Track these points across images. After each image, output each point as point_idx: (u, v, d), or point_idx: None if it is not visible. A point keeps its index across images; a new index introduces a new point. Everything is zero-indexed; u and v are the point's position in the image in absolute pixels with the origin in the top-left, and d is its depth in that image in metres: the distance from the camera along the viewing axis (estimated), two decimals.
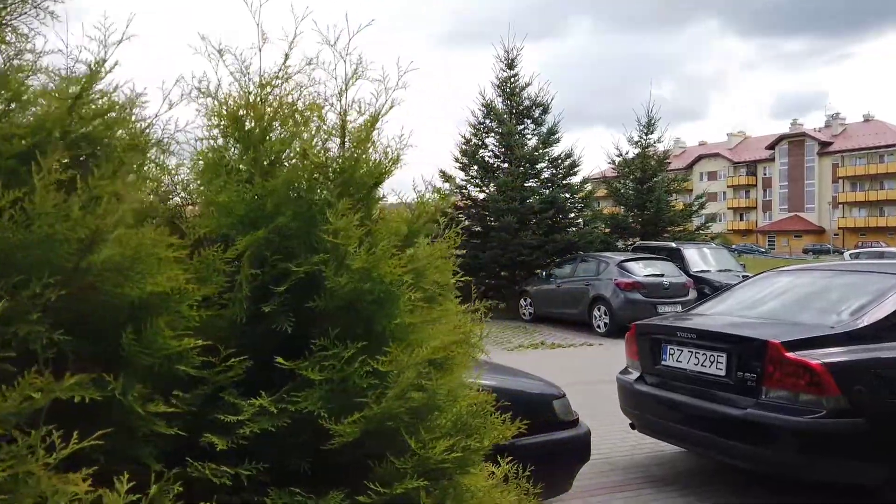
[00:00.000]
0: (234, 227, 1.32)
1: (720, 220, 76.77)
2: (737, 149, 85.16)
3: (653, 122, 19.32)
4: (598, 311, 13.21)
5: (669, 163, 20.64)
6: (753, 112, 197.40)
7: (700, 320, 4.87)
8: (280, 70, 1.40)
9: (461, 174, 17.57)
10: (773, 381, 3.88)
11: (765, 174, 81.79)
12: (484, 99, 17.42)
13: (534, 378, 4.14)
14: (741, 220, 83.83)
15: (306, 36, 1.39)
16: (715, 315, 4.92)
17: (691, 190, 44.53)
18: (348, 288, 1.31)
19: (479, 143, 17.63)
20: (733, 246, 52.87)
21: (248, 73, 1.38)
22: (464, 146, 17.43)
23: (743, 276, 13.33)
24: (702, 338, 4.44)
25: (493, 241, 16.28)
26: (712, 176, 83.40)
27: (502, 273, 17.14)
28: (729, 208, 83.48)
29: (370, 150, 1.44)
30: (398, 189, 1.65)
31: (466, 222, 17.50)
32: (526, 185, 17.13)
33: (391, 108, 1.47)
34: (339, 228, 1.29)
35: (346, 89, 1.42)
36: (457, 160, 17.53)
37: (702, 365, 4.38)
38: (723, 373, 4.21)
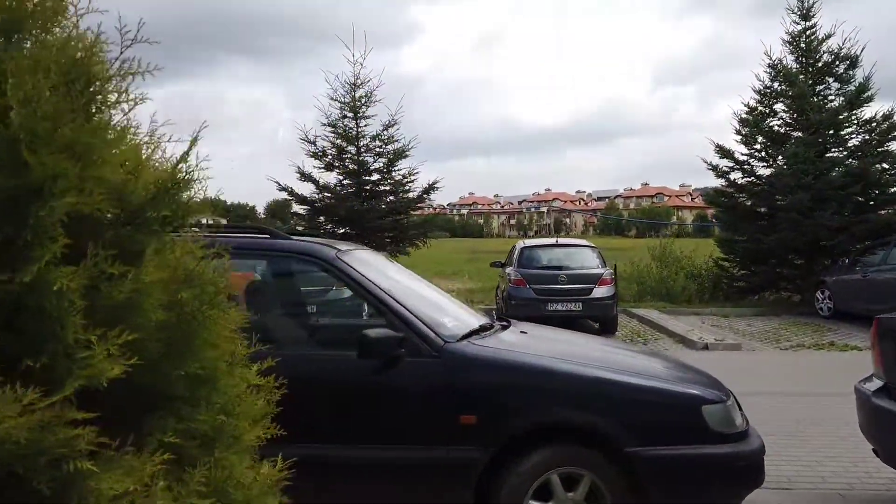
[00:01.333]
0: None
1: None
2: None
3: None
4: None
5: None
6: None
7: None
8: None
9: (742, 149, 15.38)
10: None
11: None
12: (770, 59, 14.98)
13: (693, 376, 3.35)
14: None
15: None
16: None
17: None
18: None
19: (767, 110, 15.23)
20: None
21: None
22: (746, 115, 15.20)
23: None
24: None
25: (781, 222, 13.92)
26: None
27: (797, 261, 14.63)
28: None
29: None
30: None
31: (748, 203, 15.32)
32: (825, 155, 14.32)
33: None
34: None
35: None
36: (738, 132, 15.35)
37: None
38: None
